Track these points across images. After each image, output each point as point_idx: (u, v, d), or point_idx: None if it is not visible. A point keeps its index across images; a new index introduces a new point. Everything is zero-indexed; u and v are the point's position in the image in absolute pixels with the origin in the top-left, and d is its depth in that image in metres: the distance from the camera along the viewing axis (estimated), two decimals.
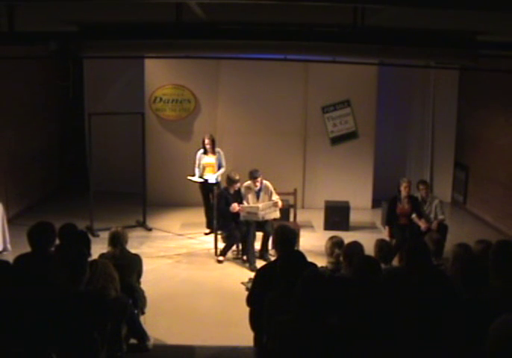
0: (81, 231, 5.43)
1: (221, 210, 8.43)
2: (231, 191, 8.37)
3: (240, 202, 8.35)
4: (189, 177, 9.49)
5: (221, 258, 8.32)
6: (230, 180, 8.35)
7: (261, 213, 8.17)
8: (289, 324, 3.60)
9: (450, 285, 4.28)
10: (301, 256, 4.50)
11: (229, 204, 8.27)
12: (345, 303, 3.95)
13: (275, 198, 8.42)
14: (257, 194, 8.41)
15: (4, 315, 3.71)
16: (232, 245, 8.35)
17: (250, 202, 8.35)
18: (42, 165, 11.70)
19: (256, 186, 8.37)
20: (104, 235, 5.83)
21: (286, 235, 5.14)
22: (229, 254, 8.51)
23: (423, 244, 4.85)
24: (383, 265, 4.90)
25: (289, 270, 4.20)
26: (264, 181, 8.47)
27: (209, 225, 9.42)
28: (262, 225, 8.25)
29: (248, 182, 8.42)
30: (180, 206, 10.93)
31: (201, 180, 9.38)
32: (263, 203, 8.27)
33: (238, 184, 8.38)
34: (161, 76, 11.14)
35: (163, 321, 6.23)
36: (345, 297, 4.02)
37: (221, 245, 8.61)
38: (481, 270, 4.04)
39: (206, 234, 9.46)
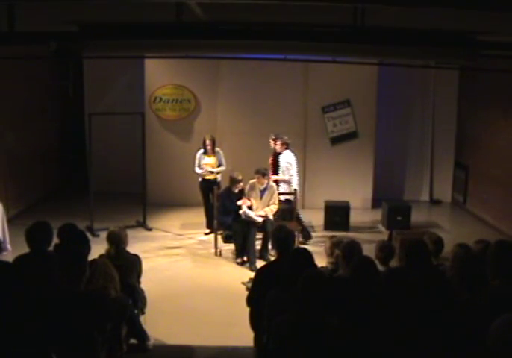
0: (80, 231, 5.43)
1: (223, 208, 8.48)
2: (235, 190, 8.44)
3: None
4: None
5: (239, 260, 8.26)
6: (233, 180, 8.43)
7: (259, 220, 8.22)
8: (289, 324, 3.60)
9: (449, 285, 4.28)
10: (308, 255, 4.51)
11: (233, 203, 8.35)
12: (345, 303, 3.95)
13: (270, 208, 8.36)
14: (262, 193, 8.39)
15: (3, 316, 3.70)
16: (239, 241, 8.25)
17: (252, 201, 8.35)
18: (42, 165, 11.70)
19: (261, 185, 8.35)
20: (104, 235, 5.82)
21: (283, 235, 5.15)
22: (229, 254, 8.51)
23: (423, 243, 4.85)
24: (383, 267, 4.91)
25: (294, 268, 4.19)
26: (272, 182, 8.49)
27: (209, 225, 9.41)
28: (262, 225, 8.25)
29: (254, 180, 8.41)
30: (180, 206, 10.93)
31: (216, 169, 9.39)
32: (261, 219, 8.22)
33: (241, 184, 8.43)
34: (161, 76, 11.14)
35: (163, 321, 6.22)
36: (345, 297, 4.02)
37: (220, 245, 8.62)
38: (481, 270, 4.04)
39: (206, 234, 9.46)
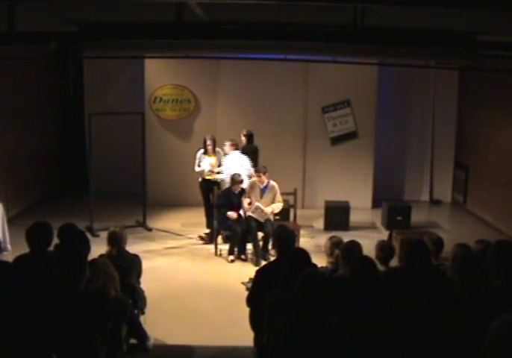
0: (80, 231, 5.43)
1: (222, 207, 8.50)
2: (235, 191, 8.47)
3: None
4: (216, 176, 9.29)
5: (231, 257, 8.32)
6: (234, 181, 8.48)
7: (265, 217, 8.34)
8: (289, 324, 3.60)
9: (450, 285, 4.28)
10: (305, 255, 4.51)
11: (232, 203, 8.41)
12: (345, 303, 3.95)
13: (276, 205, 8.45)
14: (262, 191, 8.43)
15: (3, 315, 3.70)
16: (236, 241, 8.34)
17: (253, 199, 8.39)
18: (42, 165, 11.70)
19: (262, 183, 8.38)
20: (104, 235, 5.83)
21: (285, 235, 5.16)
22: None
23: (423, 243, 4.84)
24: (383, 267, 4.91)
25: (293, 268, 4.20)
26: (272, 182, 8.51)
27: (209, 225, 9.39)
28: (262, 225, 8.29)
29: (254, 179, 8.47)
30: (180, 206, 10.92)
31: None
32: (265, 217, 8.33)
33: (242, 185, 8.47)
34: (161, 76, 11.14)
35: (163, 321, 6.22)
36: (345, 297, 4.02)
37: (220, 245, 8.64)
38: (481, 270, 4.03)
39: (201, 238, 9.23)
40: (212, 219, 8.95)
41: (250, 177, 8.93)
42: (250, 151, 9.56)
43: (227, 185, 8.87)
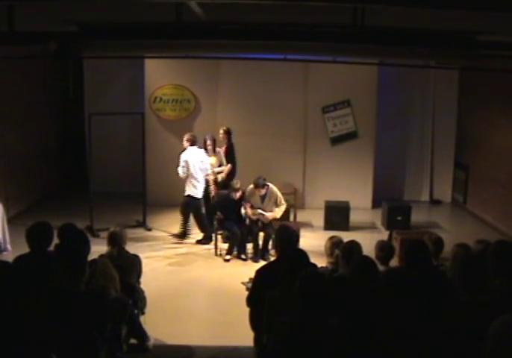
0: (80, 231, 5.43)
1: (221, 209, 8.54)
2: (235, 197, 8.47)
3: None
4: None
5: (228, 257, 8.36)
6: (232, 188, 8.53)
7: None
8: (289, 324, 3.60)
9: (450, 285, 4.28)
10: (304, 255, 4.51)
11: (228, 208, 8.47)
12: (345, 303, 3.95)
13: (279, 208, 8.49)
14: (262, 198, 8.45)
15: (3, 316, 3.70)
16: (235, 242, 8.37)
17: (254, 205, 8.43)
18: (42, 165, 11.70)
19: (260, 192, 8.40)
20: (104, 235, 5.82)
21: (287, 235, 5.16)
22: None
23: (423, 243, 4.84)
24: (383, 267, 4.91)
25: (292, 269, 4.20)
26: (270, 186, 8.50)
27: (202, 230, 9.17)
28: (263, 226, 8.33)
29: (251, 186, 8.47)
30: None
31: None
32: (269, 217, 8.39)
33: (239, 193, 8.47)
34: (161, 76, 11.14)
35: (163, 321, 6.22)
36: (345, 297, 4.02)
37: (219, 245, 8.64)
38: (481, 270, 4.04)
39: (198, 242, 9.15)
40: (205, 223, 8.98)
41: (207, 173, 9.04)
42: (231, 148, 9.59)
43: (189, 184, 8.83)
